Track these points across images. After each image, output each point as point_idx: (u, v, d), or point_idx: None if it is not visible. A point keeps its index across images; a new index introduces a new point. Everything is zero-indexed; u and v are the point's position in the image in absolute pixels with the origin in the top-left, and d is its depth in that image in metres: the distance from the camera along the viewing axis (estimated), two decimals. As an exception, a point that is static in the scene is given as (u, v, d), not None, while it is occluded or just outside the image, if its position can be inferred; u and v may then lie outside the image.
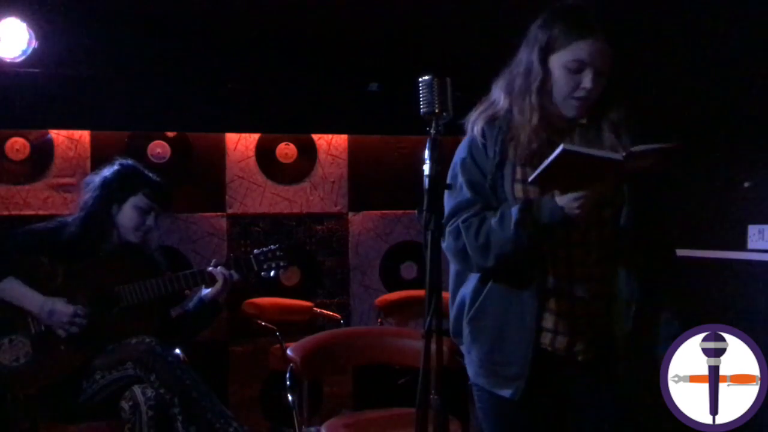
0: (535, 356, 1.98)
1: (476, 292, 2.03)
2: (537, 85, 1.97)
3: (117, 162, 3.18)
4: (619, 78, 2.00)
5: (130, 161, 3.21)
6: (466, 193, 1.99)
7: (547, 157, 1.79)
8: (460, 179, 2.01)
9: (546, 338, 2.00)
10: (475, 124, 2.03)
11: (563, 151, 1.75)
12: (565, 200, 1.86)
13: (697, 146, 3.26)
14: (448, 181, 2.02)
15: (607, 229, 1.99)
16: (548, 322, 1.99)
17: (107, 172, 3.14)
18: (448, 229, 1.99)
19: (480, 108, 2.06)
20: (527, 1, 2.03)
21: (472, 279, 2.05)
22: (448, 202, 2.02)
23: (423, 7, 3.65)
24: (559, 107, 1.99)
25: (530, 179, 1.88)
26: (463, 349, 2.13)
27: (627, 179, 1.93)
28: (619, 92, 2.01)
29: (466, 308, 2.06)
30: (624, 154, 1.77)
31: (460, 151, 2.05)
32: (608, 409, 2.04)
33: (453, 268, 2.11)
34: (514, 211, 1.91)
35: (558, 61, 1.96)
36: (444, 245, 2.00)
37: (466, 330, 2.07)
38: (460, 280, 2.10)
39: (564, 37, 1.95)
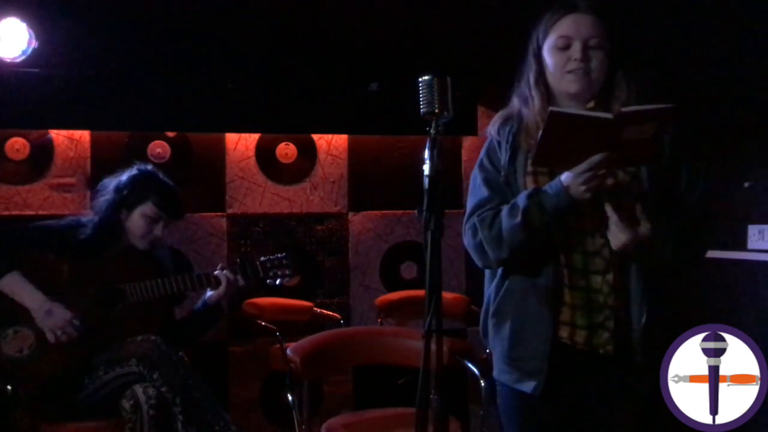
0: (555, 351, 1.97)
1: (497, 287, 2.06)
2: (534, 77, 2.02)
3: (135, 167, 3.18)
4: (623, 57, 2.01)
5: (149, 167, 3.21)
6: (484, 191, 2.04)
7: None
8: (479, 179, 2.08)
9: (565, 332, 1.98)
10: (491, 126, 2.10)
11: (551, 113, 1.76)
12: (569, 178, 1.86)
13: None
14: (471, 183, 2.11)
15: None
16: (566, 315, 1.98)
17: (124, 176, 3.14)
18: (467, 226, 2.05)
19: (499, 113, 2.12)
20: (527, 1, 2.04)
21: (496, 276, 2.07)
22: (469, 202, 2.08)
23: (423, 7, 3.65)
24: (560, 91, 2.01)
25: (531, 158, 1.91)
26: (489, 347, 2.14)
27: (630, 157, 1.88)
28: (625, 72, 2.00)
29: (490, 304, 2.08)
30: (614, 113, 1.76)
31: (480, 154, 2.12)
32: (621, 403, 2.02)
33: (486, 270, 2.14)
34: (522, 198, 1.93)
35: (548, 47, 2.01)
36: (465, 243, 2.06)
37: (489, 326, 2.09)
38: (490, 280, 2.12)
39: (549, 23, 2.01)
